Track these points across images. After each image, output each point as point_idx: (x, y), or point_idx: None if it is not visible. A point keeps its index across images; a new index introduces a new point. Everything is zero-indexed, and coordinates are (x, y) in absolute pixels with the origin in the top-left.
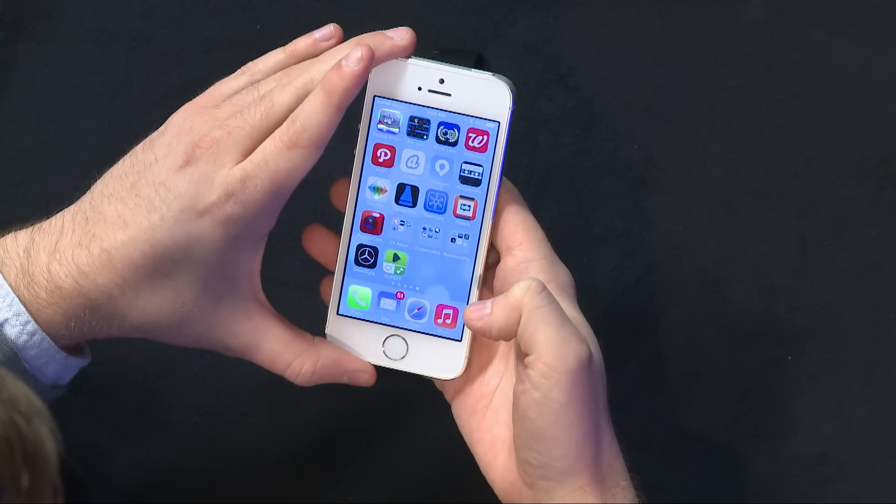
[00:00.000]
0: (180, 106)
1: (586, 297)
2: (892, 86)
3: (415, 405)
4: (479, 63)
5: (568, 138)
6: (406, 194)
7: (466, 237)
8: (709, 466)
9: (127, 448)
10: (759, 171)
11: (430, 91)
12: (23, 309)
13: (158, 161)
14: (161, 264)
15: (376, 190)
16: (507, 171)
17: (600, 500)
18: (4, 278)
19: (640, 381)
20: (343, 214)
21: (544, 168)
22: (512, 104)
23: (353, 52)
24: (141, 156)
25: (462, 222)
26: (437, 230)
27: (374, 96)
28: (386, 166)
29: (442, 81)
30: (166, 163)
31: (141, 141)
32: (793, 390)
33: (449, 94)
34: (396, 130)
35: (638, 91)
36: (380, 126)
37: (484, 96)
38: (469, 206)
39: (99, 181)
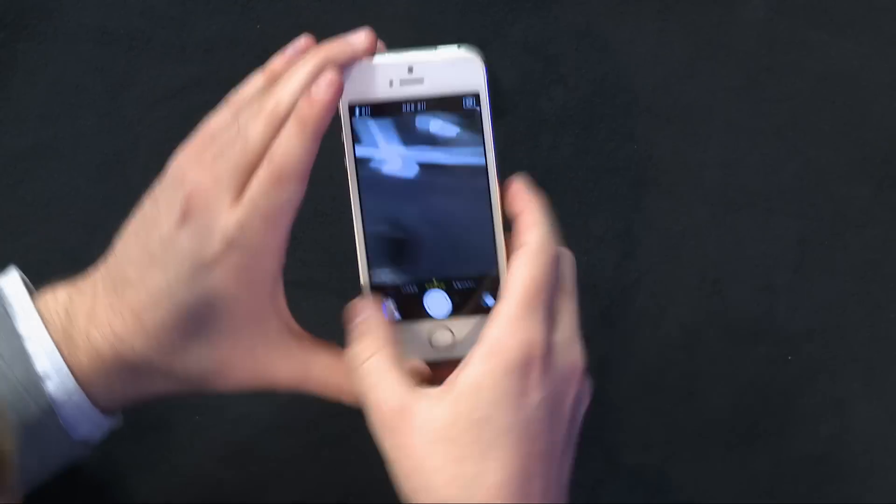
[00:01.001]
0: (181, 105)
1: (586, 297)
2: (892, 85)
3: None
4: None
5: (568, 138)
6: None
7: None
8: (709, 466)
9: (127, 448)
10: (759, 171)
11: (401, 83)
12: (64, 366)
13: (161, 217)
14: (189, 322)
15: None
16: (506, 170)
17: None
18: (50, 335)
19: (640, 381)
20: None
21: (544, 168)
22: (486, 71)
23: (321, 79)
24: (148, 211)
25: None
26: None
27: (349, 103)
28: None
29: (411, 70)
30: (168, 219)
31: (141, 144)
32: (792, 390)
33: (421, 81)
34: (379, 131)
35: (638, 91)
36: (362, 131)
37: (456, 72)
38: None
39: (119, 240)
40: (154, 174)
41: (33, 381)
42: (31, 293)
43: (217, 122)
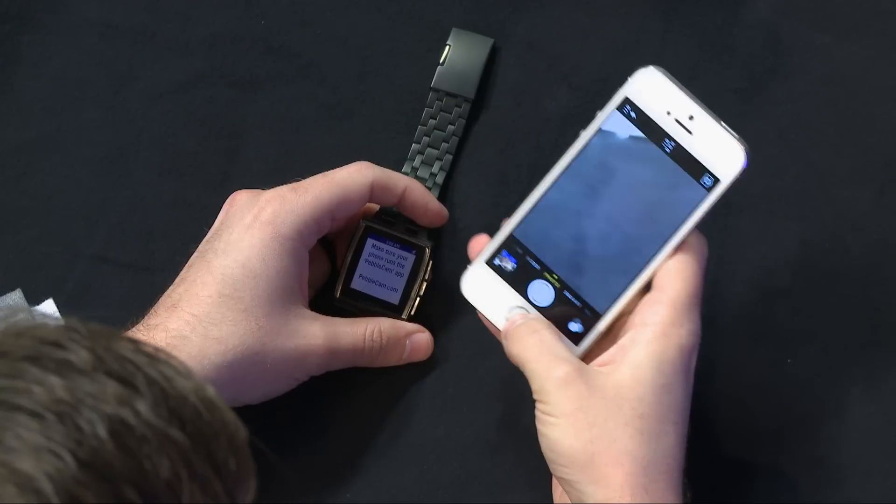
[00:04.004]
0: (184, 100)
1: None
2: (895, 89)
3: (415, 405)
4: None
5: (571, 138)
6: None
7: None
8: (709, 467)
9: None
10: (762, 173)
11: (676, 120)
12: None
13: None
14: (224, 287)
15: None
16: (509, 169)
17: None
18: None
19: None
20: None
21: (547, 167)
22: (741, 172)
23: None
24: None
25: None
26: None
27: (627, 96)
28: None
29: (692, 118)
30: None
31: (144, 138)
32: (792, 393)
33: (691, 132)
34: (625, 135)
35: None
36: (611, 124)
37: (721, 149)
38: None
39: None
40: (156, 168)
41: None
42: None
43: None
